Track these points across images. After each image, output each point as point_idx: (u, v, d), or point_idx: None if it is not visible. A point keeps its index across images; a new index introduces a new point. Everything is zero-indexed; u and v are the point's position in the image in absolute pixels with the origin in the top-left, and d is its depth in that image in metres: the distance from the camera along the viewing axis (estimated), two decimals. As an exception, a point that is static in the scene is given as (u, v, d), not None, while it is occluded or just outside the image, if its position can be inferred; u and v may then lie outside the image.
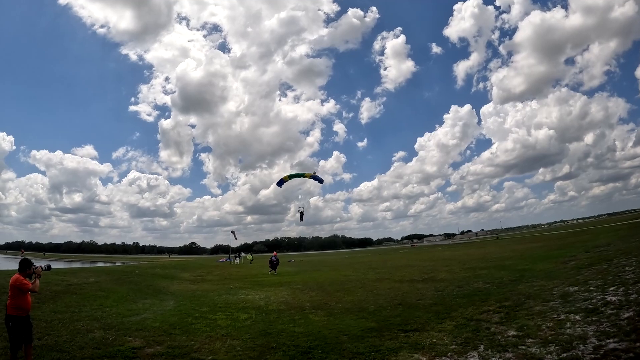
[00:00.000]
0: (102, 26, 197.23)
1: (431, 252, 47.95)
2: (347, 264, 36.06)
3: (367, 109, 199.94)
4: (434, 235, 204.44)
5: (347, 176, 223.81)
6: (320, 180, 26.44)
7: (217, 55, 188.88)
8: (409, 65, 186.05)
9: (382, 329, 9.24)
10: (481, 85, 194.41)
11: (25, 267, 6.43)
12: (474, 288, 13.77)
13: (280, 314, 11.80)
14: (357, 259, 48.92)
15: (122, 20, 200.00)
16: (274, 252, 31.50)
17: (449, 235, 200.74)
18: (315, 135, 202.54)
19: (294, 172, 31.09)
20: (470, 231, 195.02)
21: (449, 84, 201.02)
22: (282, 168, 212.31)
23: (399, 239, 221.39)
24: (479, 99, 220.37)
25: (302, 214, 25.74)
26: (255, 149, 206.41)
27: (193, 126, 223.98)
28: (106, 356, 7.26)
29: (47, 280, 19.49)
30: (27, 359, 6.26)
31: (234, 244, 77.91)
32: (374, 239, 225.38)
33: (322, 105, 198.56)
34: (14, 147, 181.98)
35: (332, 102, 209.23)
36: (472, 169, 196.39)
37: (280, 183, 26.69)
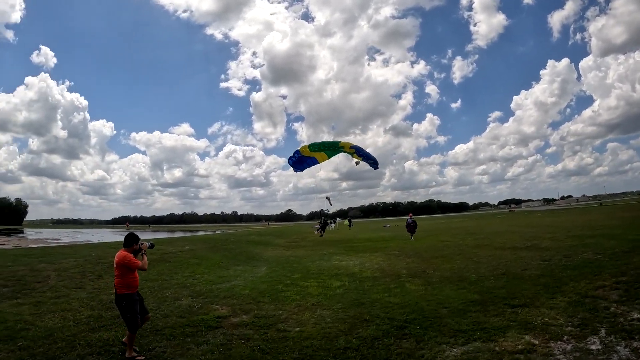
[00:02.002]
0: (184, 11, 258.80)
1: (530, 218, 55.18)
2: (443, 229, 40.55)
3: (459, 69, 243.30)
4: (532, 201, 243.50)
5: (441, 139, 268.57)
6: (373, 163, 26.43)
7: (302, 26, 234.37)
8: (500, 19, 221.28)
9: (485, 302, 10.04)
10: (578, 36, 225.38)
11: (132, 242, 7.73)
12: (583, 259, 14.55)
13: (374, 281, 13.55)
14: (453, 223, 55.80)
15: (204, 2, 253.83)
16: (410, 214, 33.70)
17: (548, 201, 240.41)
18: (407, 98, 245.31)
19: (325, 140, 30.98)
20: (570, 196, 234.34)
21: (544, 36, 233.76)
22: (375, 133, 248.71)
23: (496, 203, 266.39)
24: (577, 52, 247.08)
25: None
26: (348, 116, 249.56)
27: (284, 97, 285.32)
28: (189, 325, 9.13)
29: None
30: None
31: (330, 209, 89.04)
32: (470, 204, 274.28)
33: (412, 67, 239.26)
34: (115, 132, 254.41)
35: (422, 63, 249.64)
36: (573, 128, 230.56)
37: (300, 165, 27.95)
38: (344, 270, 16.28)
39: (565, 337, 7.48)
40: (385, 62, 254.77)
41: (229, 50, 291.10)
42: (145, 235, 59.96)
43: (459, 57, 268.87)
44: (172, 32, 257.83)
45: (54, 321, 9.46)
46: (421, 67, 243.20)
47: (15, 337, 8.24)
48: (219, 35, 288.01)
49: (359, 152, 25.74)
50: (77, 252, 21.66)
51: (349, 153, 26.10)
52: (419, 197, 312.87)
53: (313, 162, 28.03)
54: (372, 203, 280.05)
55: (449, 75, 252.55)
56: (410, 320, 8.88)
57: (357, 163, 26.62)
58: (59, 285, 13.70)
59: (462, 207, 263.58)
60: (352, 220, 72.59)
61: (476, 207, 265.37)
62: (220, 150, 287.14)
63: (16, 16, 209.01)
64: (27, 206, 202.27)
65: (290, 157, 27.70)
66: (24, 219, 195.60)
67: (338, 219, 75.28)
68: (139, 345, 7.91)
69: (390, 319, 9.05)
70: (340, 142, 26.91)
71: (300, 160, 27.71)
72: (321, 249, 25.98)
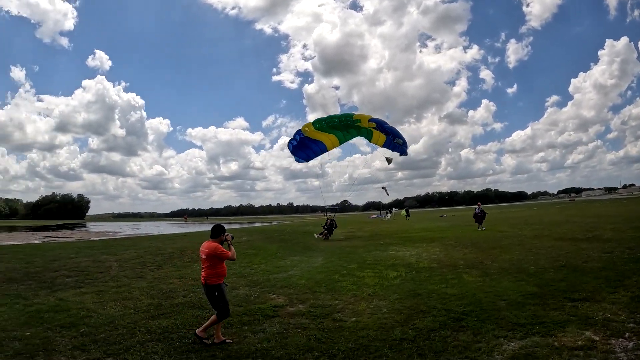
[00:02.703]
0: (232, 8, 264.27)
1: (591, 208, 55.01)
2: (501, 219, 39.55)
3: (514, 52, 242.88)
4: (593, 189, 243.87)
5: (497, 126, 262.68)
6: (402, 145, 21.85)
7: (351, 15, 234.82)
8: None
9: (545, 295, 9.77)
10: (637, 13, 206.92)
11: (220, 233, 7.97)
12: (647, 251, 13.65)
13: (431, 272, 13.45)
14: (511, 213, 55.13)
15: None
16: (478, 203, 33.06)
17: (609, 190, 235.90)
18: (461, 85, 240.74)
19: (336, 114, 24.12)
20: (633, 185, 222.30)
21: (600, 15, 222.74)
22: (430, 121, 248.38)
23: (555, 192, 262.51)
24: (637, 30, 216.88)
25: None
26: (401, 104, 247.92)
27: (337, 88, 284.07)
28: (246, 314, 9.36)
29: (201, 240, 26.63)
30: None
31: (385, 199, 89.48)
32: (528, 193, 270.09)
33: (465, 52, 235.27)
34: (171, 129, 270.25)
35: (475, 47, 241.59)
36: (635, 112, 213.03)
37: (302, 150, 23.63)
38: (401, 260, 16.25)
39: (627, 334, 7.16)
40: (437, 49, 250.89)
41: (279, 43, 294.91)
42: (203, 227, 61.53)
43: (512, 40, 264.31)
44: (222, 29, 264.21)
45: (115, 309, 9.93)
46: (474, 52, 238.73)
47: (78, 324, 8.69)
48: (268, 30, 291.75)
49: (381, 127, 21.24)
50: (137, 244, 22.47)
51: (367, 129, 21.68)
52: (476, 186, 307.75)
53: (320, 148, 23.72)
54: (428, 193, 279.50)
55: (503, 59, 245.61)
56: (468, 312, 8.76)
57: (389, 161, 23.45)
58: (120, 275, 14.34)
59: (520, 196, 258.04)
60: (409, 210, 71.80)
61: (534, 196, 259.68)
62: (275, 143, 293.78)
63: (69, 24, 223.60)
64: (89, 201, 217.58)
65: (291, 140, 23.30)
66: (86, 214, 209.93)
67: (394, 209, 75.22)
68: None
69: (447, 311, 8.96)
70: (354, 114, 21.97)
71: (303, 145, 23.23)
72: (377, 240, 25.88)
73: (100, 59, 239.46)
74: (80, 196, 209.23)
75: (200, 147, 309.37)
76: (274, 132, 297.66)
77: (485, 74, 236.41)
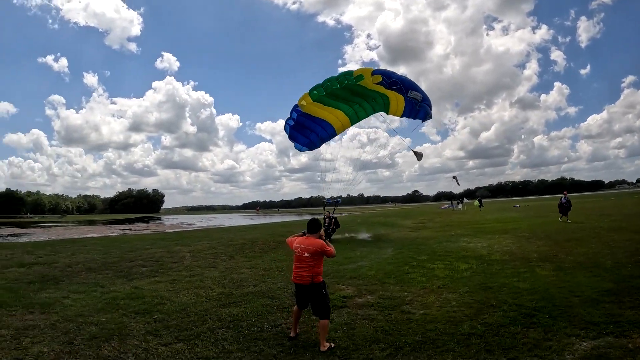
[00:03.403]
0: (293, 2, 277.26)
1: None
2: (576, 210, 36.87)
3: (585, 30, 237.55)
4: None
5: (572, 110, 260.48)
6: (424, 113, 17.89)
7: (413, 2, 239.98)
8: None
9: (621, 292, 9.22)
10: None
11: (319, 228, 7.67)
12: None
13: (503, 265, 13.07)
14: (587, 204, 52.87)
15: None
16: (564, 192, 31.19)
17: None
18: (532, 68, 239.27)
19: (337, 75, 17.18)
20: None
21: None
22: (501, 107, 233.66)
23: (634, 181, 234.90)
24: None
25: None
26: (470, 90, 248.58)
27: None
28: None
29: (272, 232, 27.26)
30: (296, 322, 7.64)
31: (456, 189, 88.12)
32: (605, 182, 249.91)
33: (534, 32, 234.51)
34: (241, 124, 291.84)
35: (544, 27, 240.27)
36: None
37: (301, 132, 19.88)
38: (472, 252, 15.93)
39: None
40: (505, 30, 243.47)
41: (342, 35, 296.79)
42: (275, 219, 62.57)
43: (583, 17, 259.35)
44: (284, 24, 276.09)
45: (187, 297, 10.32)
46: (543, 32, 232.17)
47: (152, 311, 9.10)
48: (330, 22, 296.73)
49: (388, 79, 16.25)
50: (209, 235, 23.16)
51: (379, 94, 17.32)
52: (550, 174, 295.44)
53: (328, 131, 19.93)
54: (501, 182, 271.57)
55: (574, 38, 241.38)
56: (539, 308, 8.43)
57: (419, 156, 19.98)
58: (193, 265, 14.88)
59: (596, 185, 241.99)
60: (482, 200, 70.12)
61: (612, 185, 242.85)
62: (344, 134, 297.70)
63: (136, 30, 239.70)
64: (164, 196, 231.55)
65: (287, 119, 19.54)
66: (161, 207, 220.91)
67: (465, 199, 73.96)
68: (267, 320, 8.38)
69: (518, 306, 8.68)
70: (354, 71, 16.63)
71: (302, 126, 19.48)
72: (448, 231, 25.52)
73: (168, 60, 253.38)
74: (155, 191, 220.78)
75: (270, 141, 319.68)
76: None
77: (557, 55, 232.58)
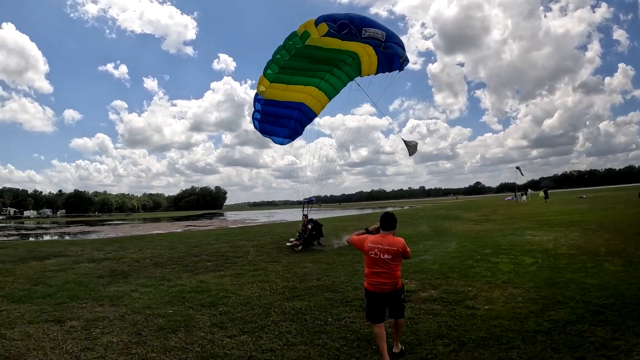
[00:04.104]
0: None
1: None
2: None
3: None
4: None
5: (638, 93, 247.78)
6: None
7: None
8: None
9: None
10: None
11: (395, 224, 6.55)
12: None
13: (570, 259, 12.55)
14: None
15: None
16: None
17: None
18: (594, 49, 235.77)
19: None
20: None
21: None
22: (564, 92, 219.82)
23: None
24: None
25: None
26: (531, 76, 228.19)
27: (461, 64, 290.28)
28: None
29: (333, 226, 27.33)
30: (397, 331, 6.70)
31: (520, 180, 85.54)
32: None
33: (594, 11, 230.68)
34: None
35: (603, 5, 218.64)
36: None
37: (268, 123, 16.83)
38: (537, 246, 15.39)
39: None
40: (563, 11, 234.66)
41: (396, 25, 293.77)
42: (336, 213, 62.75)
43: None
44: None
45: (252, 290, 10.51)
46: (604, 11, 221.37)
47: (217, 304, 9.34)
48: (383, 13, 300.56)
49: (334, 22, 12.21)
50: (272, 230, 23.48)
51: (341, 51, 14.05)
52: (617, 162, 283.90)
53: (305, 113, 16.80)
54: (566, 172, 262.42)
55: (636, 15, 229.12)
56: (608, 306, 8.05)
57: (411, 149, 15.16)
58: (257, 259, 15.16)
59: None
60: (548, 191, 67.64)
61: None
62: (403, 126, 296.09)
63: (191, 34, 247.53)
64: (226, 192, 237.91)
65: (253, 113, 16.76)
66: (224, 204, 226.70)
67: (530, 190, 71.82)
68: (330, 314, 8.41)
69: (586, 303, 8.32)
70: (296, 32, 13.22)
71: (271, 115, 16.50)
72: (513, 223, 24.80)
73: (225, 61, 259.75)
74: (217, 188, 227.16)
75: (330, 136, 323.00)
76: (402, 116, 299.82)
77: (619, 34, 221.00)
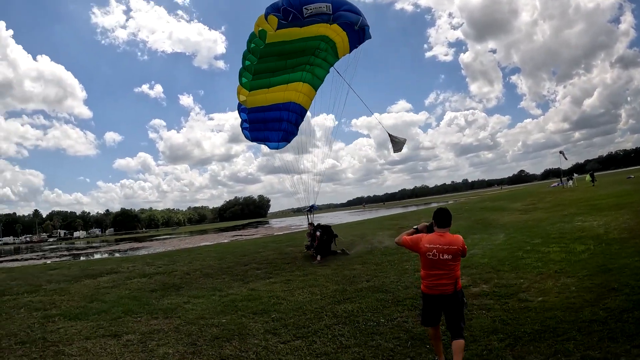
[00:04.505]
0: None
1: None
2: None
3: None
4: None
5: None
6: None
7: None
8: None
9: None
10: None
11: (450, 220, 6.07)
12: None
13: (622, 244, 12.10)
14: None
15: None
16: None
17: None
18: (627, 20, 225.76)
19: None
20: None
21: None
22: (601, 69, 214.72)
23: None
24: None
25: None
26: (566, 55, 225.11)
27: (493, 51, 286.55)
28: (420, 297, 9.74)
29: (380, 225, 27.30)
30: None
31: (564, 165, 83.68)
32: None
33: None
34: (336, 122, 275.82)
35: None
36: None
37: (259, 130, 16.52)
38: (588, 232, 14.99)
39: None
40: None
41: (423, 19, 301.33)
42: (381, 213, 62.53)
43: None
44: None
45: (302, 296, 10.60)
46: None
47: (270, 311, 9.45)
48: (409, 7, 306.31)
49: (278, 11, 12.14)
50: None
51: (305, 40, 13.58)
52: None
53: (295, 110, 16.24)
54: (611, 152, 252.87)
55: None
56: (665, 291, 7.76)
57: (397, 146, 14.22)
58: (306, 264, 15.39)
59: None
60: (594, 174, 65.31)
61: None
62: (440, 120, 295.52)
63: (221, 48, 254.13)
64: (269, 200, 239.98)
65: (241, 124, 16.65)
66: (268, 211, 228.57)
67: (575, 174, 70.05)
68: (383, 314, 8.41)
69: (642, 289, 8.05)
70: (253, 32, 13.24)
71: (261, 121, 16.24)
72: (561, 210, 24.19)
73: None
74: (260, 197, 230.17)
75: (368, 136, 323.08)
76: (438, 109, 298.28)
77: None
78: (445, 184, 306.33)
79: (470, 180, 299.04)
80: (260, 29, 13.10)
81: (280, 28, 12.55)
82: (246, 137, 16.92)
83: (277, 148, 17.47)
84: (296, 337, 7.55)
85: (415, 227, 6.46)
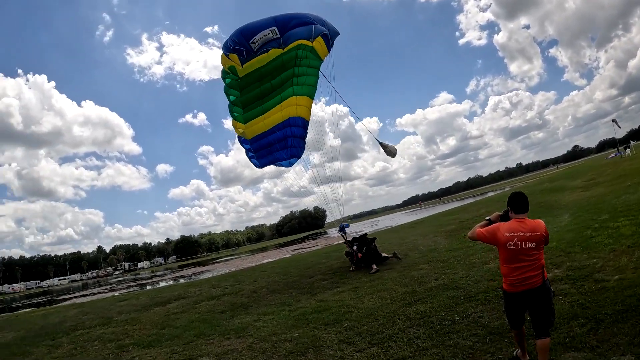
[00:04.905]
0: None
1: None
2: None
3: None
4: None
5: None
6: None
7: None
8: None
9: None
10: None
11: (528, 204, 5.53)
12: None
13: None
14: None
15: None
16: None
17: None
18: None
19: None
20: None
21: None
22: None
23: None
24: None
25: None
26: (601, 19, 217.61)
27: (527, 27, 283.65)
28: (492, 289, 9.08)
29: (438, 223, 26.95)
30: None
31: (619, 134, 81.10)
32: None
33: None
34: (381, 124, 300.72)
35: None
36: None
37: (280, 154, 16.17)
38: (655, 200, 14.08)
39: None
40: None
41: (450, 6, 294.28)
42: (438, 209, 61.72)
43: None
44: (390, 15, 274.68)
45: (372, 302, 10.49)
46: None
47: (341, 320, 9.40)
48: None
49: (241, 45, 12.41)
50: (380, 238, 23.30)
51: (282, 55, 13.07)
52: None
53: (298, 124, 15.82)
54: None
55: None
56: None
57: (389, 152, 14.68)
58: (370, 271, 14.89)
59: None
60: None
61: None
62: (485, 106, 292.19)
63: None
64: (325, 210, 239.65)
65: (246, 154, 16.61)
66: (325, 222, 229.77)
67: (632, 142, 66.85)
68: (456, 312, 8.25)
69: None
70: (223, 69, 13.81)
71: (267, 145, 15.95)
72: (623, 182, 23.20)
73: None
74: (316, 208, 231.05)
75: (414, 133, 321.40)
76: (481, 96, 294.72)
77: None
78: (499, 170, 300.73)
79: (524, 164, 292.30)
80: (228, 65, 13.37)
81: (245, 62, 12.81)
82: (255, 165, 16.85)
83: (289, 166, 17.12)
84: (371, 344, 7.48)
85: (487, 218, 5.96)
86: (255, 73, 13.46)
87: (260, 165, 16.83)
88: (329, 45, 13.80)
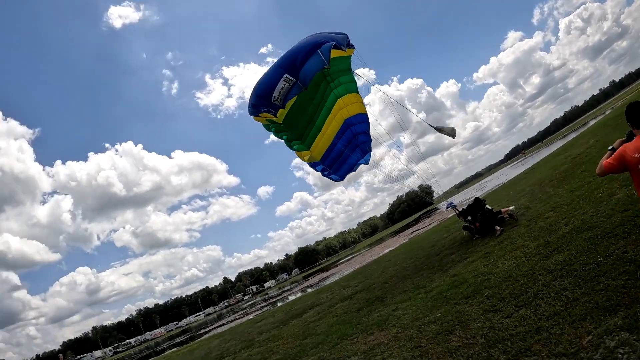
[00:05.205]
0: None
1: None
2: None
3: None
4: None
5: None
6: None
7: None
8: None
9: None
10: None
11: None
12: None
13: None
14: None
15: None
16: None
17: None
18: None
19: None
20: None
21: None
22: None
23: None
24: None
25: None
26: None
27: None
28: (628, 220, 8.52)
29: (552, 167, 25.68)
30: None
31: None
32: None
33: None
34: (459, 84, 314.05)
35: None
36: None
37: (353, 157, 16.20)
38: None
39: None
40: None
41: None
42: (543, 153, 58.94)
43: None
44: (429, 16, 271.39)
45: (507, 264, 10.14)
46: None
47: (480, 290, 9.17)
48: None
49: (260, 106, 13.07)
50: (494, 198, 22.59)
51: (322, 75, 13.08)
52: None
53: (357, 120, 15.61)
54: None
55: None
56: None
57: (449, 134, 15.93)
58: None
59: None
60: None
61: None
62: (557, 32, 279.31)
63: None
64: (430, 186, 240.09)
65: (323, 174, 16.90)
66: (434, 197, 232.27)
67: None
68: (598, 253, 7.81)
69: None
70: (263, 125, 14.45)
71: (336, 157, 16.05)
72: None
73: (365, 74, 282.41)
74: (420, 186, 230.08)
75: (495, 83, 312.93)
76: (550, 22, 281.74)
77: None
78: (593, 95, 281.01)
79: (617, 80, 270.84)
80: (264, 122, 13.89)
81: (277, 113, 13.06)
82: (335, 180, 17.07)
83: (366, 163, 17.29)
84: (518, 307, 7.26)
85: (610, 147, 5.38)
86: (293, 108, 13.38)
87: (340, 178, 17.06)
88: (346, 46, 13.35)
